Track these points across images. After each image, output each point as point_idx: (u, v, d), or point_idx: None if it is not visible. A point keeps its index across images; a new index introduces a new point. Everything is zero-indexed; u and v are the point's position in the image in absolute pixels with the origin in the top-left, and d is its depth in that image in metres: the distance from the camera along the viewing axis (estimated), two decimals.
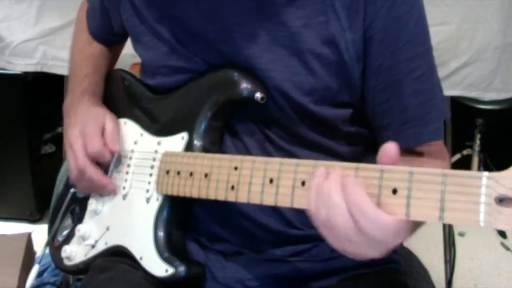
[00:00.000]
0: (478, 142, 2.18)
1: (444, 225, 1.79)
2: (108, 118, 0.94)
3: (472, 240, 2.17)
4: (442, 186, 0.53)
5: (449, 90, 1.73)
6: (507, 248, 2.13)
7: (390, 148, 0.59)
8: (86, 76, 1.02)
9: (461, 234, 2.17)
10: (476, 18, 1.68)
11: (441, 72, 1.71)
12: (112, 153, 0.92)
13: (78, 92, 1.00)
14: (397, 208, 0.56)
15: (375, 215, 0.57)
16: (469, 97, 1.80)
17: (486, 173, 0.51)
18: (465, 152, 2.26)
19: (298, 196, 0.65)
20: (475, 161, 2.20)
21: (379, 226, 0.57)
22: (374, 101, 0.82)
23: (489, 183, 0.50)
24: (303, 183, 0.64)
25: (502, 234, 2.17)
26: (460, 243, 1.94)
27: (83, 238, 0.95)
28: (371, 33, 0.78)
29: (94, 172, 0.91)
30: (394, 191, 0.57)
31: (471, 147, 2.23)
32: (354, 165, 0.60)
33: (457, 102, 1.91)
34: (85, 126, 0.92)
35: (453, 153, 2.19)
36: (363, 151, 0.89)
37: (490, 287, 1.95)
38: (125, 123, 0.98)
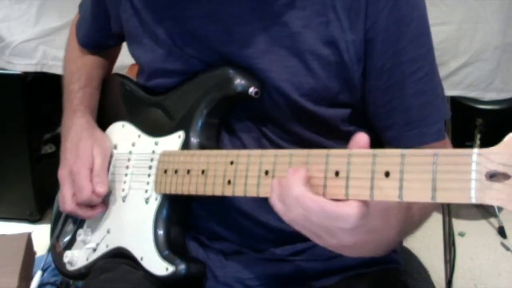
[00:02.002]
0: (478, 142, 2.18)
1: (444, 225, 1.79)
2: (96, 154, 0.94)
3: (472, 240, 2.17)
4: (433, 166, 0.53)
5: (449, 90, 1.73)
6: (507, 248, 2.13)
7: (360, 138, 0.60)
8: (78, 91, 1.03)
9: (461, 234, 2.17)
10: (476, 18, 1.68)
11: (441, 72, 1.70)
12: (100, 197, 0.92)
13: (70, 111, 1.02)
14: (390, 191, 0.56)
15: (321, 205, 0.58)
16: (469, 97, 1.80)
17: (476, 150, 0.51)
18: None
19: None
20: None
21: (324, 215, 0.58)
22: (377, 102, 0.82)
23: (479, 160, 0.51)
24: None
25: (502, 234, 2.17)
26: (460, 243, 1.94)
27: (84, 242, 0.95)
28: (372, 34, 0.78)
29: (84, 213, 0.93)
30: (387, 174, 0.57)
31: (471, 147, 2.21)
32: (347, 151, 0.61)
33: (457, 102, 1.91)
34: (74, 168, 0.93)
35: None
36: None
37: (490, 287, 1.95)
38: (123, 126, 0.98)
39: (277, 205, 0.63)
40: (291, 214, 0.61)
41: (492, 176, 0.50)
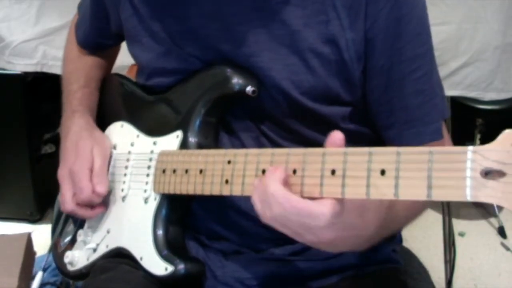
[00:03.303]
0: (478, 142, 2.18)
1: (444, 225, 1.79)
2: (96, 155, 0.94)
3: (472, 240, 2.17)
4: (429, 164, 0.54)
5: (449, 90, 1.73)
6: (507, 248, 2.12)
7: (335, 137, 0.62)
8: (76, 92, 1.03)
9: (461, 234, 2.17)
10: (476, 18, 1.68)
11: (441, 72, 1.70)
12: (101, 196, 0.92)
13: (69, 112, 1.02)
14: (386, 189, 0.56)
15: (295, 204, 0.60)
16: (469, 97, 1.80)
17: (471, 147, 0.51)
18: None
19: (290, 185, 0.65)
20: None
21: (298, 214, 0.60)
22: (378, 101, 0.82)
23: (474, 157, 0.51)
24: (294, 171, 0.65)
25: (502, 234, 2.17)
26: (460, 243, 1.94)
27: (84, 243, 0.95)
28: (373, 33, 0.78)
29: (84, 213, 0.93)
30: (383, 172, 0.57)
31: None
32: (343, 149, 0.61)
33: (457, 102, 1.91)
34: (73, 168, 0.93)
35: None
36: None
37: (490, 287, 1.95)
38: (122, 126, 0.98)
39: (257, 204, 0.65)
40: (269, 213, 0.63)
41: (487, 173, 0.50)
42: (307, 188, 0.63)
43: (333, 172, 0.61)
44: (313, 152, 0.64)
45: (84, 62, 1.08)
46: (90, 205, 0.93)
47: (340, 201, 0.60)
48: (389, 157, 0.57)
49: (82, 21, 1.08)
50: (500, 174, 0.49)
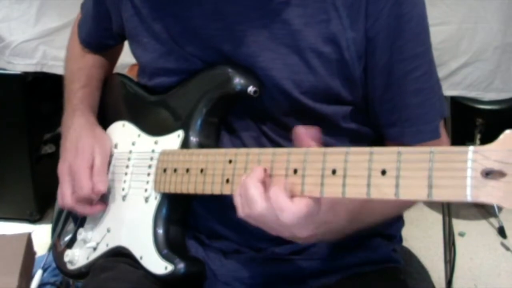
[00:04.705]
0: (478, 142, 2.18)
1: (444, 225, 1.79)
2: (96, 153, 0.94)
3: (472, 240, 2.16)
4: (429, 163, 0.54)
5: (449, 90, 1.73)
6: (507, 248, 2.12)
7: (298, 131, 0.65)
8: (77, 91, 1.03)
9: (461, 234, 2.17)
10: (476, 18, 1.68)
11: (441, 72, 1.72)
12: (100, 194, 0.92)
13: (70, 110, 1.02)
14: (387, 189, 0.56)
15: (285, 205, 0.62)
16: (469, 97, 1.80)
17: (471, 147, 0.51)
18: None
19: (291, 184, 0.66)
20: None
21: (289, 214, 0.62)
22: (380, 100, 0.82)
23: (474, 157, 0.51)
24: (295, 171, 0.65)
25: (502, 234, 2.17)
26: (460, 243, 1.94)
27: (84, 241, 0.95)
28: (373, 33, 0.78)
29: (83, 210, 0.93)
30: (383, 172, 0.57)
31: None
32: (344, 149, 0.61)
33: (457, 102, 1.91)
34: (74, 164, 0.93)
35: None
36: None
37: (490, 287, 1.95)
38: (123, 125, 0.98)
39: (237, 200, 0.68)
40: (246, 210, 0.66)
41: (488, 173, 0.50)
42: (307, 187, 0.64)
43: (334, 171, 0.61)
44: (314, 151, 0.64)
45: (85, 61, 1.08)
46: (90, 202, 0.93)
47: (317, 201, 0.62)
48: (390, 157, 0.57)
49: (84, 20, 1.09)
50: (501, 174, 0.49)
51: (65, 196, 0.93)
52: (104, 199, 0.94)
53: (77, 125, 0.98)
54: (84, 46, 1.10)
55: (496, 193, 0.49)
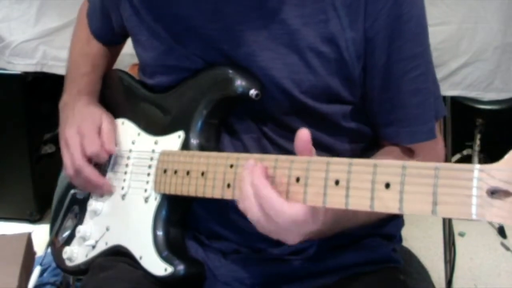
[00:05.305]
0: (478, 142, 2.18)
1: (444, 225, 1.79)
2: (104, 119, 0.95)
3: (472, 240, 2.17)
4: (434, 179, 0.53)
5: (449, 90, 1.73)
6: (507, 248, 2.13)
7: (303, 134, 0.65)
8: (84, 75, 1.03)
9: (461, 234, 2.17)
10: (476, 18, 1.68)
11: (441, 72, 1.72)
12: (109, 154, 0.92)
13: (75, 91, 1.01)
14: (390, 203, 0.56)
15: (280, 206, 0.63)
16: (469, 97, 1.80)
17: (477, 166, 0.51)
18: (465, 152, 2.26)
19: (292, 193, 0.65)
20: (475, 161, 2.20)
21: (284, 216, 0.63)
22: (378, 99, 0.83)
23: (480, 176, 0.50)
24: (297, 179, 0.65)
25: (502, 234, 2.17)
26: (460, 243, 1.94)
27: (83, 239, 0.95)
28: (372, 33, 0.78)
29: (91, 172, 0.91)
30: (387, 186, 0.56)
31: (471, 147, 2.23)
32: (347, 160, 0.61)
33: (457, 102, 1.91)
34: (82, 126, 0.93)
35: (453, 153, 2.20)
36: (364, 149, 0.89)
37: (490, 287, 1.95)
38: (122, 123, 0.98)
39: (236, 192, 0.69)
40: (244, 203, 0.67)
41: (493, 192, 0.50)
42: (309, 196, 0.63)
43: (337, 182, 0.61)
44: (317, 160, 0.64)
45: (91, 49, 1.07)
46: (98, 167, 0.93)
47: (316, 211, 0.63)
48: (395, 170, 0.56)
49: (93, 12, 1.08)
50: (506, 194, 0.49)
51: (74, 157, 0.91)
52: (103, 197, 0.94)
53: (83, 99, 0.99)
54: (93, 36, 1.09)
55: (501, 212, 0.49)
